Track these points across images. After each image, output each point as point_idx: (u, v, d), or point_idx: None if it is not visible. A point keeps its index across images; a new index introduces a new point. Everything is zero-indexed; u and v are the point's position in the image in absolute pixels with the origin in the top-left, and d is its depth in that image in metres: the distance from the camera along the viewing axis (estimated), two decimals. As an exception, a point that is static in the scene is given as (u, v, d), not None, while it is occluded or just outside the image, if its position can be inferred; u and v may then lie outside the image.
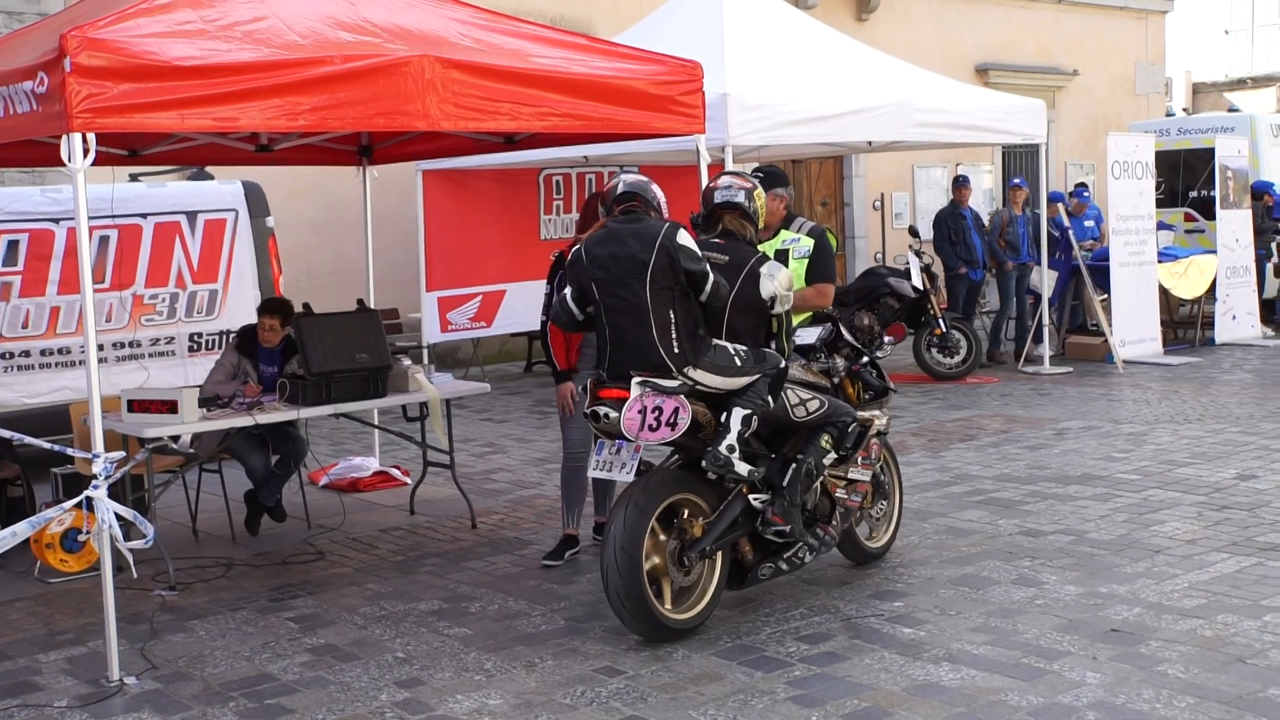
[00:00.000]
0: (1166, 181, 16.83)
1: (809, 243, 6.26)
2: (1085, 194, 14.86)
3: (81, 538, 6.43)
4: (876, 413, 6.09)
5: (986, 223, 13.78)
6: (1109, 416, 10.23)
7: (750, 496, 5.44)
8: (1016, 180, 14.26)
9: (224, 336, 9.54)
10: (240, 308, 9.53)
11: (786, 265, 6.13)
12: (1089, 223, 14.70)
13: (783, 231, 6.32)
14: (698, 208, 5.73)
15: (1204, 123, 18.03)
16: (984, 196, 17.79)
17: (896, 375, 11.95)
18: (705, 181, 6.21)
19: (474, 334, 12.53)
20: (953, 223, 13.32)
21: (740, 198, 5.55)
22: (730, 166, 8.64)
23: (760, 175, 6.25)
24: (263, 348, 7.40)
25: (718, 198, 5.58)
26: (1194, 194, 17.07)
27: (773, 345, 5.51)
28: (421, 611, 5.87)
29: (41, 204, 9.01)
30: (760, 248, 6.03)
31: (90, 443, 5.02)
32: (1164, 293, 14.02)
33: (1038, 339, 13.26)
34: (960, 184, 13.53)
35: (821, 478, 5.66)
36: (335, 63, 5.30)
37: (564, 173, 13.13)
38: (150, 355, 9.43)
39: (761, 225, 5.71)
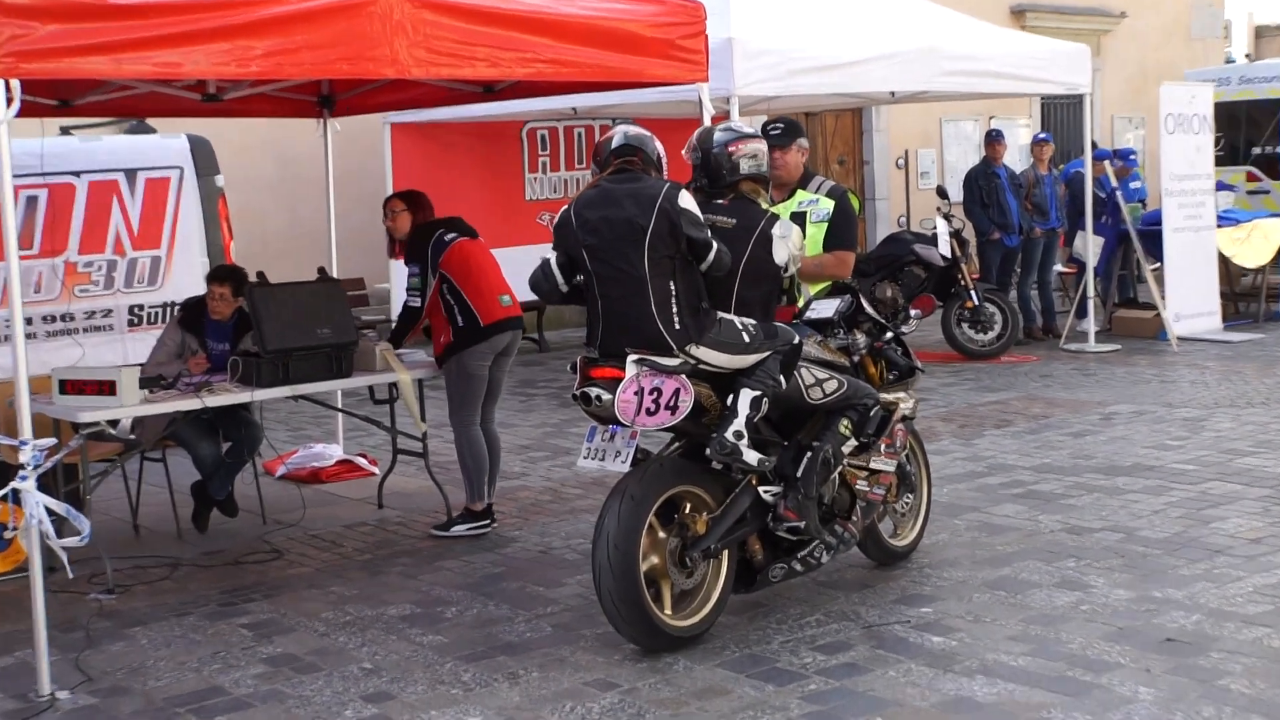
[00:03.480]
0: (1226, 137, 16.81)
1: (828, 204, 6.25)
2: (1133, 158, 14.83)
3: (8, 534, 6.40)
4: (901, 395, 6.07)
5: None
6: (1162, 400, 10.23)
7: (760, 489, 5.43)
8: (1041, 135, 14.22)
9: (168, 309, 9.50)
10: (186, 277, 9.49)
11: (803, 229, 6.11)
12: (1136, 184, 14.68)
13: (799, 191, 6.29)
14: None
15: (1268, 70, 18.00)
16: (1020, 154, 17.75)
17: (923, 353, 11.93)
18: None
19: (449, 307, 12.50)
20: (985, 182, 13.29)
21: (766, 167, 5.61)
22: (736, 119, 8.59)
23: (780, 126, 6.24)
24: (211, 322, 7.37)
25: (744, 167, 5.56)
26: (1258, 150, 17.05)
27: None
28: (391, 617, 5.86)
29: (-40, 160, 8.96)
30: (774, 210, 6.02)
31: (16, 428, 4.99)
32: (1224, 261, 14.00)
33: (1081, 313, 13.25)
34: (994, 139, 13.48)
35: (840, 468, 5.65)
36: (292, 1, 5.25)
37: (550, 126, 13.09)
38: (85, 330, 9.39)
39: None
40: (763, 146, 5.66)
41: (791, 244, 5.45)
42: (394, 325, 7.35)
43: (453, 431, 7.19)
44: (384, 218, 7.33)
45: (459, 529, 7.11)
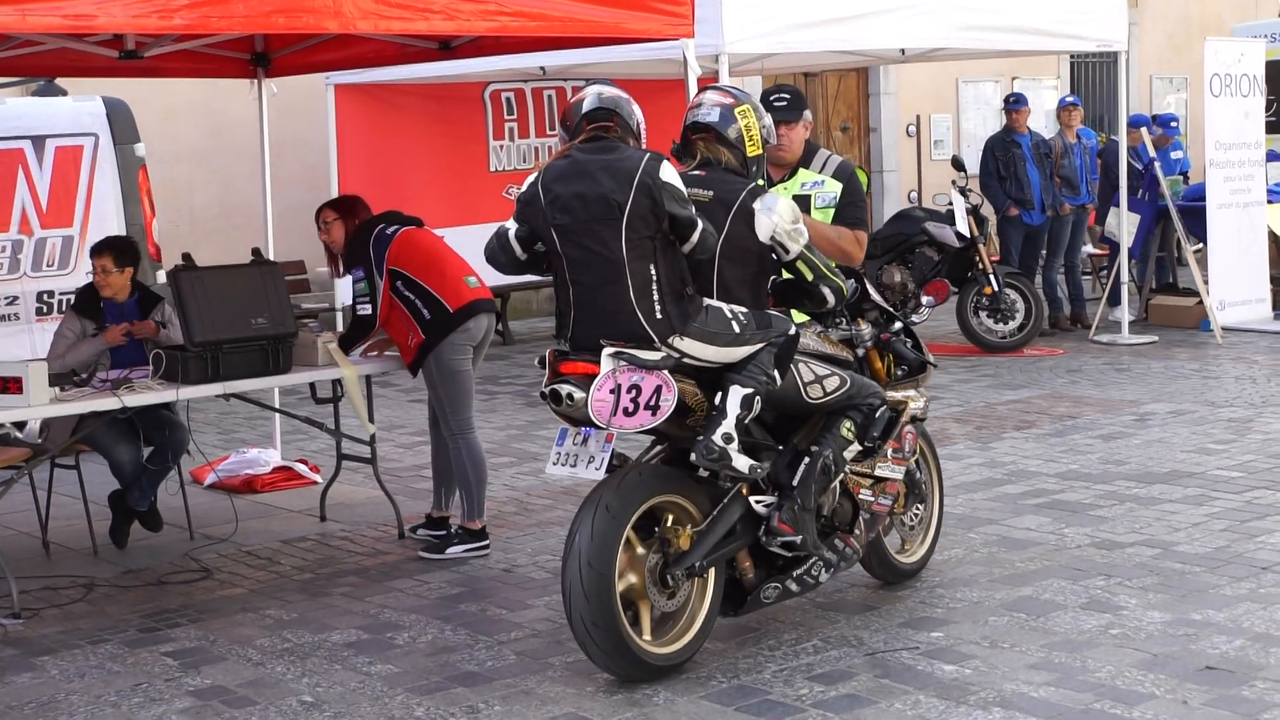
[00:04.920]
0: (1279, 100, 16.87)
1: (835, 187, 6.19)
2: (1174, 125, 14.87)
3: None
4: (911, 393, 6.10)
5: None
6: (1204, 398, 10.29)
7: (751, 499, 5.45)
8: (1069, 98, 14.23)
9: (81, 296, 9.49)
10: (102, 259, 9.48)
11: (808, 214, 6.09)
12: (1176, 154, 14.73)
13: (801, 171, 6.27)
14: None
15: (1328, 25, 18.06)
16: (1046, 119, 17.81)
17: (936, 346, 11.99)
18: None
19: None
20: (1003, 153, 13.30)
21: (714, 117, 5.55)
22: (725, 80, 8.62)
23: (786, 98, 6.20)
24: (110, 304, 7.38)
25: (687, 119, 5.61)
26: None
27: (824, 289, 5.47)
28: (335, 644, 5.87)
29: None
30: (773, 191, 6.02)
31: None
32: (1275, 241, 14.07)
33: (1114, 301, 13.30)
34: (1013, 107, 13.44)
35: (841, 475, 5.67)
36: (222, -56, 5.25)
37: (516, 88, 13.08)
38: (-14, 320, 9.40)
39: (751, 150, 5.62)
40: (713, 97, 5.62)
41: (780, 217, 5.39)
42: (343, 332, 7.36)
43: (449, 442, 7.11)
44: (318, 230, 7.35)
45: (455, 550, 7.04)
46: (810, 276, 5.50)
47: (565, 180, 5.31)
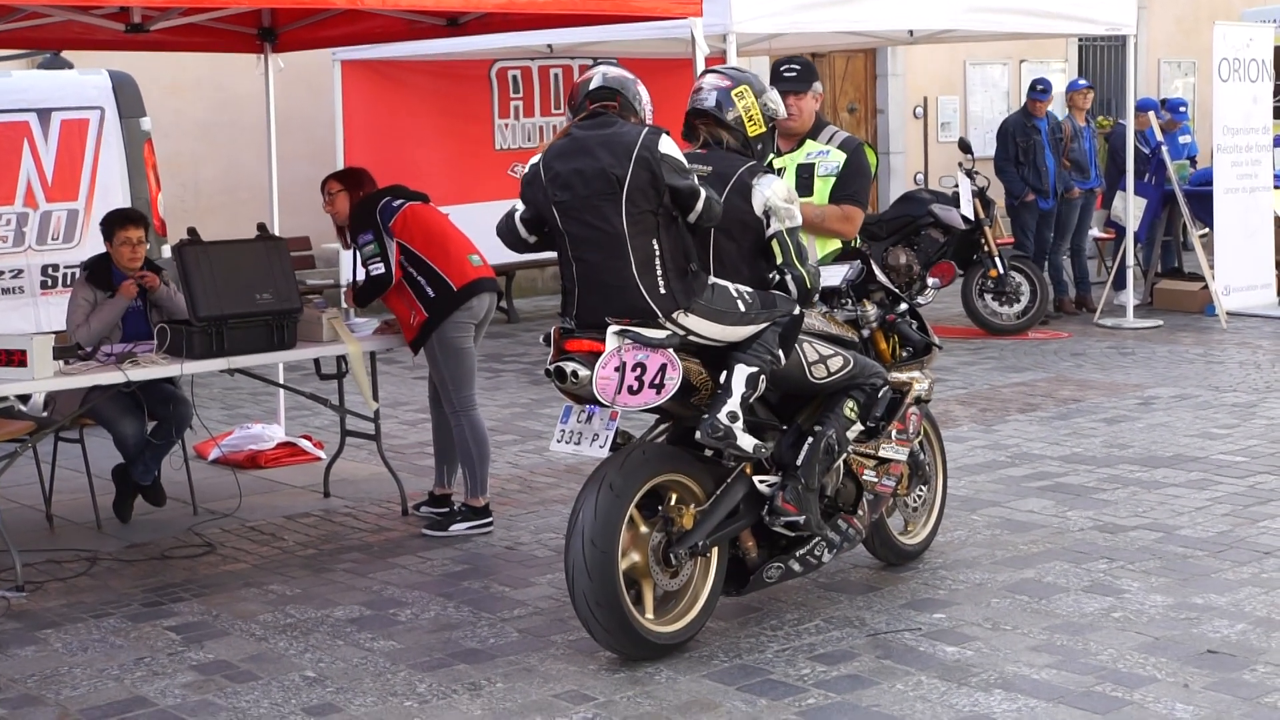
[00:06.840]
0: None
1: (839, 157, 6.21)
2: (1182, 110, 14.82)
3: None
4: (916, 375, 6.10)
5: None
6: (1208, 383, 10.29)
7: (755, 478, 5.45)
8: (1081, 82, 14.17)
9: (86, 270, 9.49)
10: (107, 233, 9.47)
11: (811, 183, 6.11)
12: (1184, 138, 14.70)
13: (808, 141, 6.28)
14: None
15: (1336, 10, 18.01)
16: (1055, 102, 17.77)
17: (941, 328, 11.98)
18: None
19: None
20: (1022, 138, 13.24)
21: (711, 102, 5.54)
22: (733, 60, 8.60)
23: (796, 69, 6.21)
24: (119, 276, 7.35)
25: (689, 104, 5.61)
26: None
27: (787, 278, 5.43)
28: (337, 619, 5.89)
29: None
30: (780, 162, 6.02)
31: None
32: (1280, 227, 14.07)
33: (1119, 284, 13.30)
34: (1037, 96, 13.29)
35: (845, 456, 5.68)
36: (230, -81, 5.25)
37: (522, 65, 13.05)
38: (-9, 293, 9.40)
39: (752, 130, 5.59)
40: (710, 80, 5.61)
41: (775, 193, 5.38)
42: (358, 289, 7.26)
43: (452, 419, 7.11)
44: (323, 201, 7.32)
45: (458, 527, 7.06)
46: (779, 259, 5.47)
47: (565, 157, 5.31)
